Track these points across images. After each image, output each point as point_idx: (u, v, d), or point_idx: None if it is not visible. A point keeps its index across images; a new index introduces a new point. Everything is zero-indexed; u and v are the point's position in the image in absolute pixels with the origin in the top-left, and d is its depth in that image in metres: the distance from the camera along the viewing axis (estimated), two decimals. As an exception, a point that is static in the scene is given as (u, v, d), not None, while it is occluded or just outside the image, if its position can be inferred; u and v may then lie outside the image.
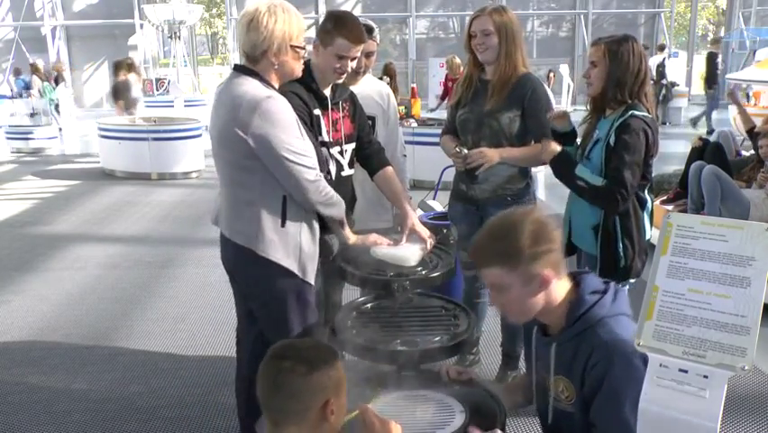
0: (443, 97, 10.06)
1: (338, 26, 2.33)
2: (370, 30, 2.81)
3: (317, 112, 2.40)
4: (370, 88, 2.95)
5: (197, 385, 3.29)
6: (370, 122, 2.88)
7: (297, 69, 2.22)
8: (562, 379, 1.69)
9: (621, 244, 2.43)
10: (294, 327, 2.28)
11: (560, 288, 1.67)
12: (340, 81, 2.48)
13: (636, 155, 2.37)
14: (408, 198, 3.09)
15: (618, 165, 2.37)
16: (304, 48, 2.21)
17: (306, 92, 2.37)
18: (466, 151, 2.70)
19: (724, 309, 1.36)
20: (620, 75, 2.40)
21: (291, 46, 2.15)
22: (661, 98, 13.87)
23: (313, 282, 2.29)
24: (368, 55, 2.81)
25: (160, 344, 3.79)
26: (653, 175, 2.53)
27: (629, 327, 1.61)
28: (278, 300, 2.26)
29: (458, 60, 9.66)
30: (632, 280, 2.49)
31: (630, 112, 2.38)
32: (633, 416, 1.41)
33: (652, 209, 2.50)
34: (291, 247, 2.21)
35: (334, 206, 2.26)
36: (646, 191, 2.48)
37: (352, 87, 2.66)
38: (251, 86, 2.13)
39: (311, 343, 1.65)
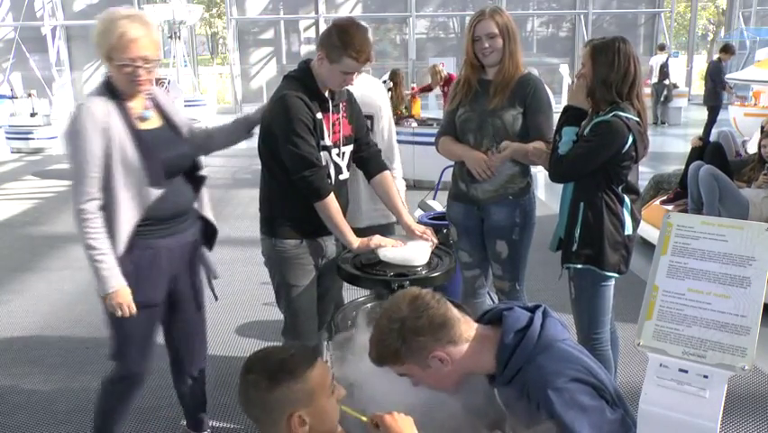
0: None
1: (346, 45, 2.26)
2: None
3: (319, 115, 2.37)
4: (366, 87, 2.92)
5: (197, 385, 3.27)
6: (368, 121, 2.87)
7: (129, 87, 2.17)
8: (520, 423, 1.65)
9: (578, 230, 2.47)
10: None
11: (475, 345, 1.65)
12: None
13: (594, 151, 2.38)
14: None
15: (574, 148, 2.43)
16: (127, 67, 2.12)
17: (308, 95, 2.33)
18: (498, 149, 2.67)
19: (724, 309, 1.36)
20: (605, 75, 2.38)
21: (111, 61, 2.13)
22: (663, 98, 13.87)
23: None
24: None
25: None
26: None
27: (563, 354, 1.59)
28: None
29: (439, 68, 9.45)
30: (610, 274, 2.48)
31: (614, 112, 2.36)
32: None
33: (631, 207, 2.50)
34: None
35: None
36: (620, 189, 2.46)
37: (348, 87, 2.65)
38: None
39: (284, 352, 1.58)
